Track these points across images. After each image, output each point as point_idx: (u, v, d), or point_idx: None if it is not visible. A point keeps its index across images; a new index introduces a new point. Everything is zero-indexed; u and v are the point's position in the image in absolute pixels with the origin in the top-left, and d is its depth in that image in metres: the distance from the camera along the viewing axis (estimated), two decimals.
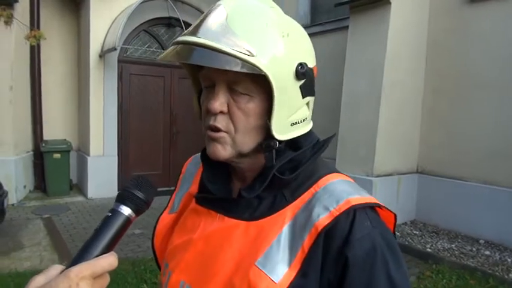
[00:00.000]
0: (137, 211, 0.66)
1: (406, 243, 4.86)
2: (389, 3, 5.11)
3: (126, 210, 0.64)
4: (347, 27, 5.80)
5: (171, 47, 0.71)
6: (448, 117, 5.37)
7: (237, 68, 0.65)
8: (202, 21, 0.69)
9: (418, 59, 5.56)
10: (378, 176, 5.25)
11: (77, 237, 4.90)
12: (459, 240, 5.00)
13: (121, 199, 0.66)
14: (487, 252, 4.61)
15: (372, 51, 5.32)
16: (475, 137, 5.06)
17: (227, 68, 0.65)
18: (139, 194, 0.66)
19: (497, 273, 4.09)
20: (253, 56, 0.66)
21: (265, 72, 0.66)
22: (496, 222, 4.81)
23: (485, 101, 4.97)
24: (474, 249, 4.72)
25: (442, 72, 5.42)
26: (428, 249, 4.71)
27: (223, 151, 0.73)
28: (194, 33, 0.68)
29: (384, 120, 5.22)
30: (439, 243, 4.90)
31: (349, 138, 5.43)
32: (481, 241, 4.91)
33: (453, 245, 4.82)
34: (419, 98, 5.64)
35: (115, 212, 0.64)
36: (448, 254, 4.57)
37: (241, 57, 0.65)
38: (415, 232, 5.26)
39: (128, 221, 0.64)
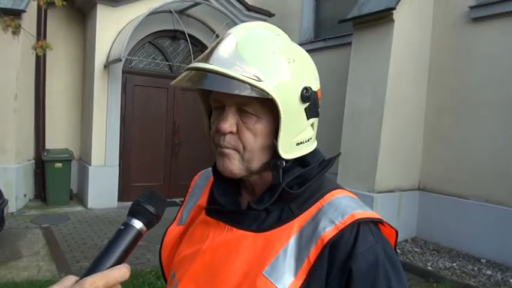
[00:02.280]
0: (148, 224, 0.69)
1: (407, 260, 4.81)
2: (393, 20, 5.16)
3: (137, 224, 0.67)
4: (350, 43, 5.84)
5: (184, 73, 0.75)
6: (450, 134, 5.36)
7: (246, 93, 0.69)
8: (213, 48, 0.74)
9: (420, 76, 5.58)
10: (380, 192, 5.23)
11: (75, 248, 4.87)
12: (460, 259, 4.95)
13: (133, 213, 0.69)
14: (489, 272, 4.55)
15: (375, 67, 5.35)
16: (477, 155, 5.05)
17: (237, 92, 0.69)
18: (151, 208, 0.69)
19: None
20: (261, 81, 0.70)
21: (272, 96, 0.70)
22: (497, 241, 4.76)
23: (487, 119, 4.97)
24: (476, 268, 4.66)
25: (444, 89, 5.44)
26: (429, 268, 4.66)
27: (233, 166, 0.76)
28: (206, 59, 0.72)
29: (386, 136, 5.22)
30: (440, 261, 4.85)
31: (351, 153, 5.42)
32: (483, 260, 4.86)
33: (454, 264, 4.77)
34: (421, 115, 5.65)
35: (127, 225, 0.67)
36: (449, 273, 4.52)
37: (250, 82, 0.69)
38: (416, 249, 5.21)
39: (139, 234, 0.67)
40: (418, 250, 5.20)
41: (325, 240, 0.70)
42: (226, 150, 0.76)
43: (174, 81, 0.75)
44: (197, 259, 0.81)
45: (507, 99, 4.79)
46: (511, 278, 4.41)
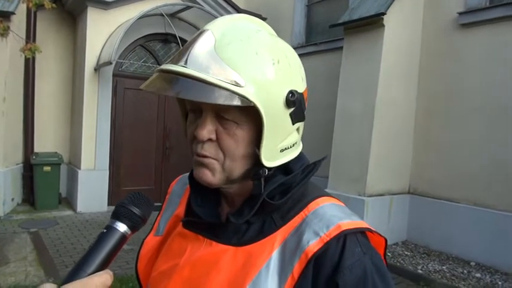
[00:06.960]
0: (133, 227, 0.65)
1: (398, 264, 4.83)
2: (383, 26, 5.21)
3: (121, 227, 0.63)
4: (341, 48, 5.88)
5: (155, 75, 0.68)
6: (439, 138, 5.42)
7: (224, 101, 0.62)
8: (188, 47, 0.66)
9: (410, 81, 5.64)
10: (370, 195, 5.25)
11: (64, 253, 4.81)
12: (450, 262, 4.99)
13: (117, 215, 0.64)
14: (478, 275, 4.59)
15: (366, 72, 5.39)
16: (466, 158, 5.10)
17: (215, 102, 0.62)
18: (136, 210, 0.65)
19: None
20: (241, 86, 0.63)
21: (254, 103, 0.64)
22: (486, 244, 4.81)
23: (476, 123, 5.03)
24: (465, 271, 4.70)
25: (434, 93, 5.50)
26: (420, 271, 4.69)
27: (212, 177, 0.71)
28: (179, 61, 0.65)
29: (376, 140, 5.25)
30: (430, 264, 4.88)
31: (342, 156, 5.45)
32: (472, 263, 4.90)
33: (444, 267, 4.81)
34: (411, 119, 5.70)
35: (110, 228, 0.63)
36: (440, 276, 4.55)
37: (229, 88, 0.63)
38: (406, 253, 5.24)
39: (123, 237, 0.63)
40: (408, 253, 5.23)
41: (310, 255, 0.65)
42: (206, 160, 0.70)
43: (143, 84, 0.68)
44: (175, 275, 0.75)
45: (495, 104, 4.85)
46: (499, 280, 4.46)
